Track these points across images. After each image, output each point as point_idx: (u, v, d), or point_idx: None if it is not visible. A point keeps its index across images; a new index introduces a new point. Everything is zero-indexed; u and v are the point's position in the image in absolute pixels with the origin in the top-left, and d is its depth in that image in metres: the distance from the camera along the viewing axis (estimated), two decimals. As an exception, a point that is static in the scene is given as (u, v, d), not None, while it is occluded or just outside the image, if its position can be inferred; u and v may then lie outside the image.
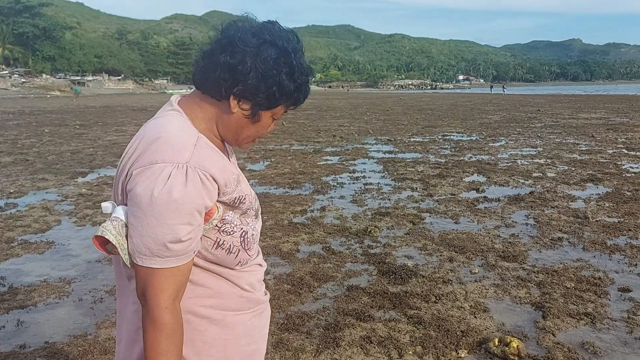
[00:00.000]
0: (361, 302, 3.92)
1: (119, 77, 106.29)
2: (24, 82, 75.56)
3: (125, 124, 20.50)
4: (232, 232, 1.25)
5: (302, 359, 3.14)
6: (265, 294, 1.47)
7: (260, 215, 1.41)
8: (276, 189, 8.05)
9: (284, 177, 8.91)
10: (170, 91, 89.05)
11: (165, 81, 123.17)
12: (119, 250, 1.17)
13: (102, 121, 21.98)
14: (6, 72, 78.33)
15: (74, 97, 53.52)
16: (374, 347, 3.28)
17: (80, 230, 5.81)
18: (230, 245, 1.25)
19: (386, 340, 3.36)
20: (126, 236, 1.17)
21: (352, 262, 4.78)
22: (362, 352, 3.22)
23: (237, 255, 1.27)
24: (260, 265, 1.41)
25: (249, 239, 1.29)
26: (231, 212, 1.26)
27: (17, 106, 32.96)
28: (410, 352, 3.24)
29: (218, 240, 1.23)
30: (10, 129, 17.93)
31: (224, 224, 1.24)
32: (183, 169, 1.12)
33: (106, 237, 1.16)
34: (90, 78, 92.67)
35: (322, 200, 7.22)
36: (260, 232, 1.43)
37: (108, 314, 3.70)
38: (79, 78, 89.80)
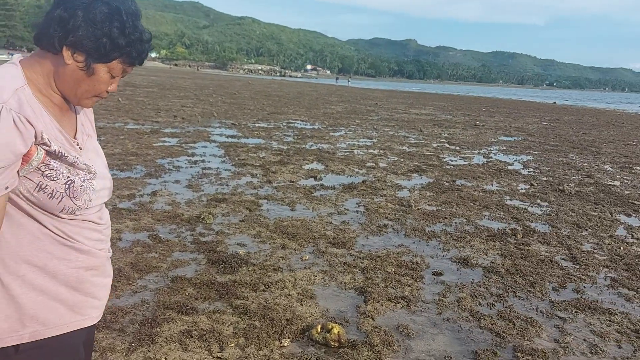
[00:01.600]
0: (185, 294, 3.71)
1: None
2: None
3: None
4: (56, 179, 1.28)
5: (111, 359, 2.85)
6: (105, 252, 1.49)
7: (101, 178, 1.44)
8: (104, 170, 7.39)
9: (112, 158, 8.24)
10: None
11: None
12: None
13: None
14: None
15: None
16: (194, 342, 3.11)
17: None
18: (53, 190, 1.27)
19: (208, 334, 3.20)
20: None
21: (180, 251, 4.53)
22: (180, 348, 3.03)
23: (60, 201, 1.28)
24: (95, 223, 1.42)
25: (75, 189, 1.31)
26: (57, 160, 1.28)
27: None
28: (232, 345, 3.12)
29: (40, 183, 1.26)
30: None
31: (49, 169, 1.27)
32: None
33: None
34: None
35: (155, 185, 6.79)
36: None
37: None
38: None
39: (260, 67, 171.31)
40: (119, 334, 3.12)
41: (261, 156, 9.61)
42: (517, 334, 3.57)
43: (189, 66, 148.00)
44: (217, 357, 2.99)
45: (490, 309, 3.93)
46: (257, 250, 4.73)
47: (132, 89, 26.03)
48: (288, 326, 3.40)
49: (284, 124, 15.66)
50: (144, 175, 7.26)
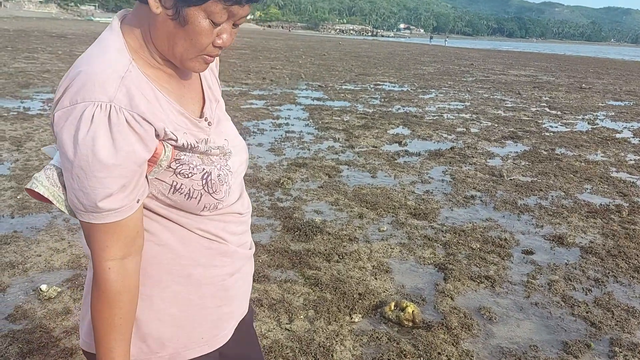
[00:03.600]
0: (259, 261, 3.67)
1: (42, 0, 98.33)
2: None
3: (39, 50, 18.88)
4: (190, 175, 1.05)
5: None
6: (250, 248, 1.29)
7: (237, 154, 1.18)
8: (191, 132, 7.56)
9: (201, 120, 8.40)
10: (98, 19, 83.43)
11: (93, 7, 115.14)
12: (55, 203, 1.03)
13: (12, 46, 20.12)
14: None
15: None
16: (264, 311, 3.06)
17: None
18: (189, 190, 1.05)
19: (278, 304, 3.15)
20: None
21: (257, 216, 4.51)
22: (249, 317, 2.99)
23: (199, 200, 1.07)
24: (239, 214, 1.20)
25: (213, 181, 1.07)
26: (188, 152, 1.05)
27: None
28: (301, 317, 3.05)
29: (174, 184, 1.04)
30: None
31: (180, 165, 1.04)
32: (106, 109, 0.91)
33: (37, 190, 1.02)
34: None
35: (238, 147, 6.83)
36: None
37: None
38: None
39: (351, 27, 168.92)
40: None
41: (345, 120, 9.41)
42: (615, 324, 3.20)
43: (282, 27, 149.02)
44: (285, 329, 2.92)
45: (586, 294, 3.56)
46: (334, 218, 4.61)
47: (225, 51, 26.55)
48: (360, 301, 3.26)
49: (372, 86, 15.28)
50: (228, 138, 7.33)
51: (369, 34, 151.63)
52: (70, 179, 0.95)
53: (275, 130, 8.16)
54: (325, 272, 3.60)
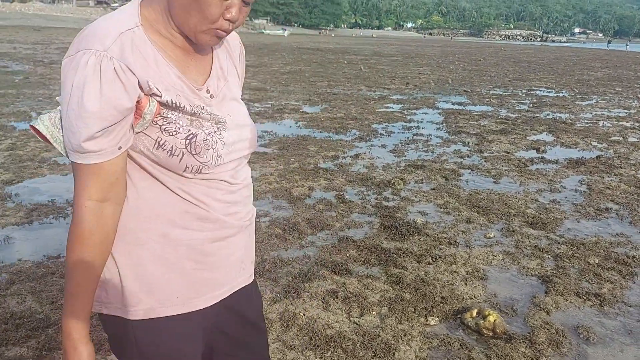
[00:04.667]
0: (346, 255, 3.69)
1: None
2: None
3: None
4: (175, 133, 1.10)
5: (255, 306, 2.99)
6: (239, 219, 1.28)
7: (236, 128, 1.23)
8: (320, 132, 7.81)
9: (333, 122, 8.63)
10: (268, 31, 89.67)
11: (265, 21, 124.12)
12: (52, 142, 1.13)
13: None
14: None
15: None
16: (337, 303, 3.07)
17: (112, 157, 5.97)
18: (172, 147, 1.10)
19: (352, 297, 3.13)
20: None
21: (358, 213, 4.52)
22: (321, 306, 3.02)
23: (181, 159, 1.11)
24: (228, 183, 1.22)
25: (198, 143, 1.12)
26: (175, 112, 1.11)
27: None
28: (373, 313, 2.99)
29: (159, 139, 1.10)
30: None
31: (166, 122, 1.10)
32: (99, 57, 1.01)
33: (37, 127, 1.13)
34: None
35: (361, 148, 6.90)
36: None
37: (91, 239, 3.75)
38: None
39: (518, 33, 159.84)
40: (271, 283, 3.26)
41: (482, 124, 8.97)
42: None
43: (443, 34, 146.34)
44: (354, 322, 2.90)
45: None
46: (437, 220, 4.44)
47: (377, 58, 26.91)
48: (440, 304, 3.11)
49: (524, 91, 14.34)
50: (354, 139, 7.44)
51: (538, 39, 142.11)
52: (64, 119, 1.04)
53: (403, 132, 8.07)
54: (411, 273, 3.49)
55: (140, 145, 1.11)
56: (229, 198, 1.24)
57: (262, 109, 9.61)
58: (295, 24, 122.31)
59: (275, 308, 2.98)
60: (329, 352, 2.61)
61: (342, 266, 3.49)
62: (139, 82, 1.05)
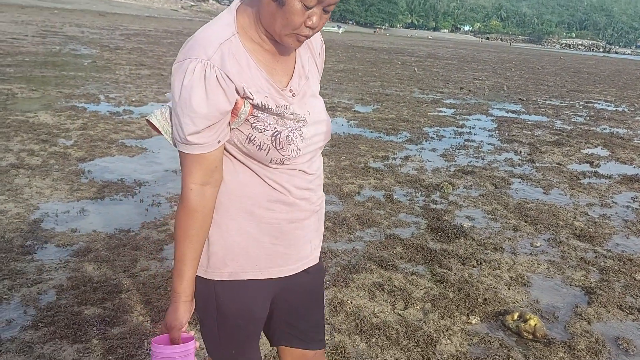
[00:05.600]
0: (393, 252, 3.84)
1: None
2: (192, 5, 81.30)
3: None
4: (263, 130, 1.29)
5: (305, 291, 3.20)
6: (311, 204, 1.46)
7: (314, 124, 1.39)
8: (371, 132, 7.96)
9: (384, 122, 8.76)
10: (323, 28, 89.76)
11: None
12: (163, 133, 1.35)
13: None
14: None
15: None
16: (382, 295, 3.24)
17: (174, 143, 6.30)
18: (260, 142, 1.29)
19: (398, 291, 3.29)
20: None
21: (406, 213, 4.66)
22: (367, 297, 3.20)
23: (267, 153, 1.30)
24: (305, 172, 1.41)
25: (282, 140, 1.30)
26: (264, 112, 1.29)
27: (179, 27, 35.63)
28: (417, 307, 3.15)
29: (250, 135, 1.29)
30: (162, 46, 19.57)
31: (257, 121, 1.29)
32: (204, 65, 1.19)
33: (152, 121, 1.35)
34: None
35: (411, 150, 7.01)
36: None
37: (157, 217, 4.05)
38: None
39: (580, 42, 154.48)
40: (321, 272, 3.45)
41: (536, 134, 8.90)
42: None
43: (501, 40, 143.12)
44: (398, 314, 3.06)
45: None
46: (484, 226, 4.53)
47: (431, 60, 26.72)
48: (483, 305, 3.23)
49: (581, 103, 14.03)
50: (405, 141, 7.55)
51: (600, 49, 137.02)
52: (174, 116, 1.25)
53: (454, 137, 8.12)
54: (455, 273, 3.62)
55: (235, 139, 1.31)
56: (304, 185, 1.42)
57: (316, 106, 9.82)
58: (351, 22, 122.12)
59: (324, 294, 3.17)
60: (374, 339, 2.78)
61: (388, 262, 3.65)
62: (236, 87, 1.24)
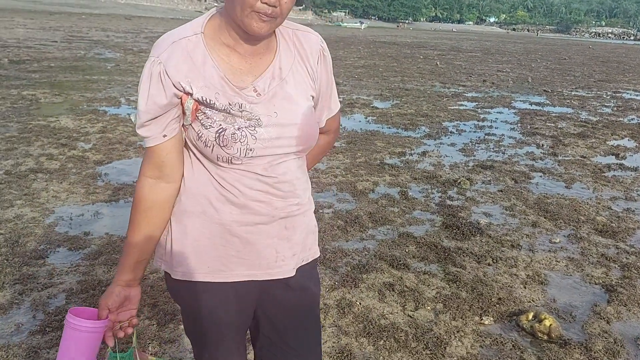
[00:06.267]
0: (405, 250, 3.78)
1: (301, 7, 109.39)
2: (215, 5, 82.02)
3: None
4: (209, 127, 1.29)
5: (314, 292, 3.16)
6: (272, 209, 1.38)
7: (278, 127, 1.33)
8: (389, 128, 7.88)
9: (403, 118, 8.66)
10: (345, 24, 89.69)
11: (343, 13, 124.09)
12: None
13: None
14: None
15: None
16: (393, 295, 3.18)
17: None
18: (206, 139, 1.30)
19: (408, 292, 3.23)
20: None
21: (421, 211, 4.58)
22: (377, 297, 3.15)
23: (212, 150, 1.29)
24: (259, 174, 1.34)
25: (226, 137, 1.28)
26: (211, 109, 1.29)
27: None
28: (427, 308, 3.09)
29: (199, 132, 1.31)
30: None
31: (205, 118, 1.29)
32: (152, 62, 1.27)
33: (132, 119, 1.47)
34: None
35: (429, 145, 6.91)
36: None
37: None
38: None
39: (610, 31, 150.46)
40: (331, 272, 3.42)
41: (559, 126, 8.68)
42: None
43: (528, 30, 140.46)
44: (408, 315, 3.00)
45: None
46: (502, 223, 4.42)
47: (454, 54, 26.37)
48: (497, 305, 3.15)
49: (609, 93, 13.64)
50: (423, 136, 7.45)
51: (631, 37, 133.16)
52: None
53: (475, 132, 7.98)
54: (469, 272, 3.54)
55: (190, 136, 1.34)
56: (260, 187, 1.35)
57: (334, 103, 9.77)
58: (373, 17, 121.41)
59: (332, 295, 3.14)
60: (382, 341, 2.73)
61: (400, 261, 3.59)
62: (172, 82, 1.26)
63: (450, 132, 7.79)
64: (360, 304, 3.08)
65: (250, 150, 1.30)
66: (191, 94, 1.27)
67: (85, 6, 55.29)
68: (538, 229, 4.36)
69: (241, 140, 1.29)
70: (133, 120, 1.40)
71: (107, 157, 5.51)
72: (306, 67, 1.41)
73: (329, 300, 3.08)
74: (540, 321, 2.93)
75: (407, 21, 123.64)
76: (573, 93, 13.28)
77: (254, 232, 1.38)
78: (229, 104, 1.29)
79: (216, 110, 1.29)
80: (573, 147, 7.27)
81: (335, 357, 2.58)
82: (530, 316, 3.00)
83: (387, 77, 14.49)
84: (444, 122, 8.55)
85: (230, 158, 1.30)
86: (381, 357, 2.61)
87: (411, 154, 6.41)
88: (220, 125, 1.29)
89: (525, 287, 3.41)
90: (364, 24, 78.99)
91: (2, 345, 2.47)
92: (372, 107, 9.65)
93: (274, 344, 1.52)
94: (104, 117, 7.37)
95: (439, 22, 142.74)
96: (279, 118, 1.32)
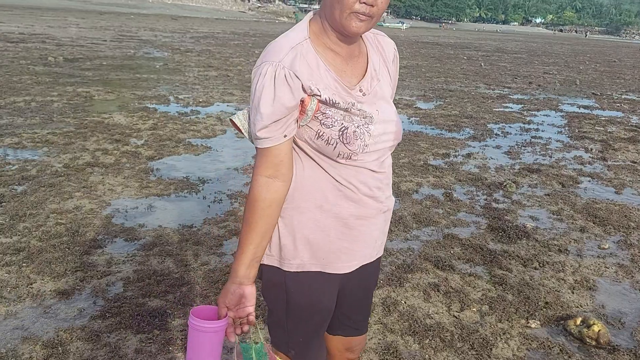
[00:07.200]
0: (450, 252, 3.79)
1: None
2: (259, 6, 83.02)
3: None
4: (331, 126, 1.37)
5: (360, 289, 3.21)
6: (379, 203, 1.50)
7: (382, 123, 1.44)
8: (432, 129, 7.84)
9: (447, 119, 8.60)
10: (387, 24, 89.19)
11: (385, 14, 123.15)
12: (243, 131, 1.48)
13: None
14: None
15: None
16: (438, 296, 3.20)
17: (237, 141, 6.48)
18: (328, 137, 1.37)
19: (454, 292, 3.24)
20: None
21: (466, 212, 4.57)
22: (422, 297, 3.18)
23: (335, 147, 1.37)
24: (373, 170, 1.45)
25: (349, 135, 1.37)
26: (333, 108, 1.37)
27: (246, 28, 36.53)
28: (473, 309, 3.09)
29: (318, 131, 1.37)
30: (229, 47, 20.11)
31: (325, 117, 1.37)
32: (274, 67, 1.31)
33: (234, 121, 1.48)
34: (316, 6, 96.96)
35: (474, 147, 6.85)
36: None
37: (218, 213, 4.19)
38: (306, 6, 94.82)
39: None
40: (376, 270, 3.45)
41: (609, 130, 8.45)
42: None
43: (575, 32, 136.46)
44: (453, 316, 3.02)
45: None
46: (549, 227, 4.37)
47: (499, 55, 25.91)
48: (544, 309, 3.13)
49: (662, 97, 13.17)
50: (468, 138, 7.39)
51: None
52: (250, 113, 1.38)
53: (520, 134, 7.86)
54: (515, 275, 3.52)
55: (305, 136, 1.39)
56: (372, 183, 1.47)
57: (377, 103, 9.78)
58: (416, 17, 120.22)
59: (377, 293, 3.18)
60: (427, 340, 2.76)
61: (445, 262, 3.60)
62: (302, 85, 1.32)
63: (496, 135, 7.69)
64: (405, 302, 3.11)
65: (366, 146, 1.41)
66: (318, 95, 1.35)
67: (133, 6, 56.88)
68: (586, 234, 4.28)
69: (360, 137, 1.39)
70: (238, 122, 1.46)
71: (159, 153, 5.70)
72: (387, 68, 1.55)
73: (374, 297, 3.12)
74: (588, 326, 2.90)
75: (450, 21, 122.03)
76: (623, 97, 12.88)
77: (366, 225, 1.49)
78: (344, 102, 1.39)
79: (338, 109, 1.38)
80: (623, 152, 7.08)
81: (381, 353, 2.63)
82: (579, 321, 2.97)
83: (430, 77, 14.39)
84: (488, 124, 8.45)
85: (350, 154, 1.39)
86: (427, 356, 2.64)
87: (455, 156, 6.37)
88: (342, 123, 1.38)
89: (573, 292, 3.37)
90: (405, 24, 78.31)
91: (66, 327, 2.62)
92: (415, 107, 9.62)
93: (349, 317, 1.68)
94: (155, 114, 7.60)
95: (483, 22, 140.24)
96: (381, 115, 1.45)
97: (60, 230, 3.64)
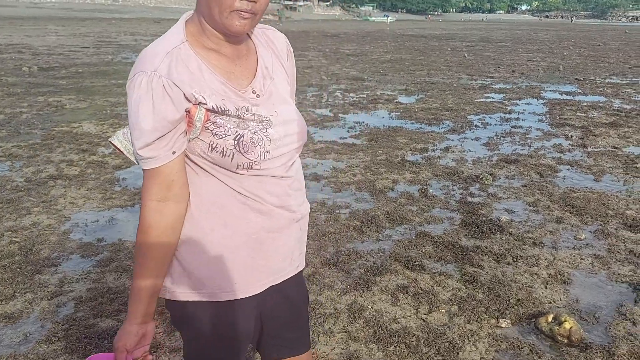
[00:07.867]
0: (422, 251, 3.68)
1: (328, 3, 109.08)
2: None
3: (310, 49, 21.24)
4: (224, 136, 1.23)
5: (325, 295, 3.10)
6: (291, 212, 1.38)
7: (283, 125, 1.32)
8: (412, 124, 7.73)
9: (427, 113, 8.49)
10: (373, 18, 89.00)
11: (371, 8, 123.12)
12: (125, 153, 1.36)
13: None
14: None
15: (280, 21, 56.47)
16: (406, 298, 3.09)
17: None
18: (223, 149, 1.23)
19: (422, 294, 3.13)
20: None
21: (440, 209, 4.46)
22: (389, 300, 3.06)
23: (232, 159, 1.24)
24: (279, 177, 1.33)
25: (245, 143, 1.24)
26: (224, 116, 1.24)
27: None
28: (442, 310, 2.98)
29: (211, 143, 1.23)
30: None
31: (216, 127, 1.23)
32: (150, 77, 1.17)
33: (114, 142, 1.36)
34: (301, 3, 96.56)
35: (452, 141, 6.74)
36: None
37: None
38: (290, 3, 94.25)
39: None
40: (343, 275, 3.34)
41: (590, 116, 8.37)
42: None
43: (561, 17, 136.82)
44: (421, 318, 2.91)
45: None
46: (524, 219, 4.26)
47: (483, 44, 25.84)
48: (515, 307, 3.03)
49: (645, 79, 13.12)
50: (447, 131, 7.28)
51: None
52: (130, 132, 1.22)
53: (500, 125, 7.76)
54: (487, 272, 3.41)
55: (198, 149, 1.25)
56: (279, 191, 1.33)
57: (357, 99, 9.67)
58: (402, 10, 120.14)
59: (344, 299, 3.07)
60: (392, 347, 2.65)
61: (415, 262, 3.49)
62: (184, 94, 1.18)
63: (475, 126, 7.59)
64: (372, 307, 2.99)
65: (267, 152, 1.28)
66: (204, 104, 1.22)
67: (115, 11, 56.43)
68: (562, 225, 4.18)
69: (259, 144, 1.26)
70: (118, 143, 1.33)
71: (127, 162, 5.55)
72: (281, 64, 1.41)
73: (340, 304, 3.01)
74: (560, 324, 2.79)
75: (436, 12, 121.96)
76: (607, 81, 12.82)
77: (279, 238, 1.37)
78: (235, 108, 1.25)
79: (229, 117, 1.24)
80: (604, 138, 6.99)
81: (342, 364, 2.51)
82: (550, 318, 2.86)
83: (413, 71, 14.28)
84: (469, 115, 8.35)
85: (250, 164, 1.26)
86: (390, 364, 2.53)
87: (433, 150, 6.26)
88: (237, 131, 1.24)
89: (546, 287, 3.26)
90: (389, 18, 78.23)
91: (9, 354, 2.49)
92: (396, 102, 9.50)
93: (282, 337, 1.52)
94: (126, 120, 7.43)
95: (469, 12, 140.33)
96: (280, 116, 1.31)
97: (12, 250, 3.50)
